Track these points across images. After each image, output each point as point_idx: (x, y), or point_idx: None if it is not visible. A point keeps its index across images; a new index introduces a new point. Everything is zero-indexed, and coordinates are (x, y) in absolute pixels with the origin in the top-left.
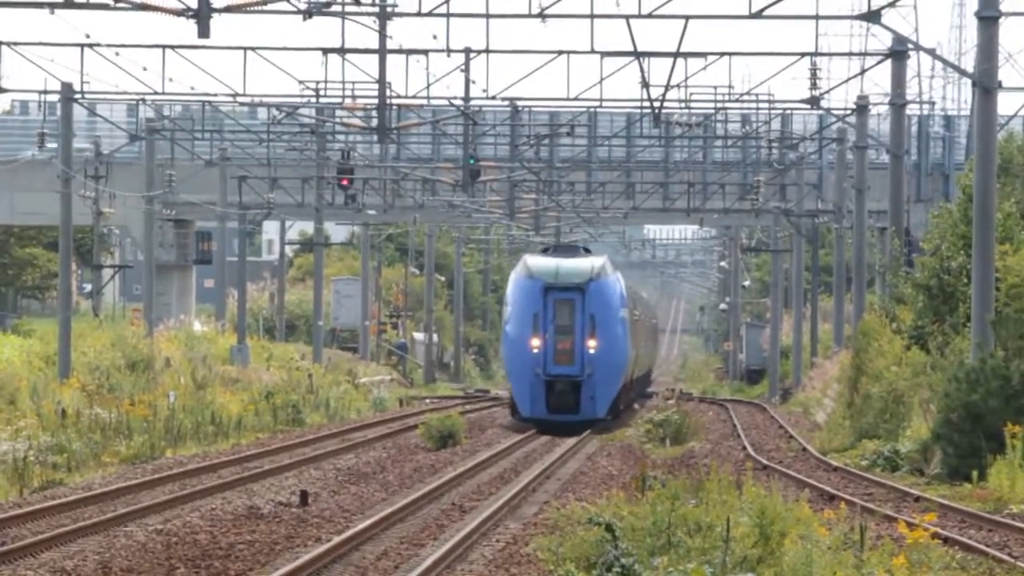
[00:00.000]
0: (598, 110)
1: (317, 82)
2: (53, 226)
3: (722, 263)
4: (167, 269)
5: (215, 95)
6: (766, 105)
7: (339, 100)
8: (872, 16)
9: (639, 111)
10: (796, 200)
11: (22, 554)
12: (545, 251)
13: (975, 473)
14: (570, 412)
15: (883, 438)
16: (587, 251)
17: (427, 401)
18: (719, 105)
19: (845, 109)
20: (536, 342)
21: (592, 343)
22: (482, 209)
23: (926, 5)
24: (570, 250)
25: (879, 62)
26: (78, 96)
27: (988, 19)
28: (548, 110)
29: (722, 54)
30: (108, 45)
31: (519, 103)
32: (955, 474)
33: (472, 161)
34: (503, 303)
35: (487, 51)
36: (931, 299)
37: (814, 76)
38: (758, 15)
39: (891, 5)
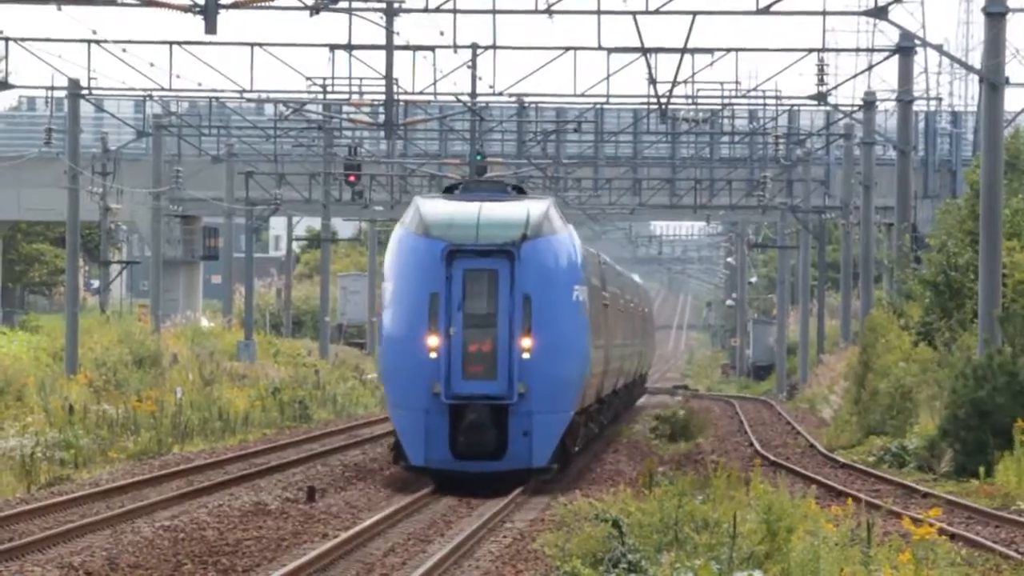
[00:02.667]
0: (605, 106)
1: (324, 78)
2: (60, 222)
3: (729, 259)
4: (174, 265)
5: (222, 91)
6: (773, 101)
7: (346, 96)
8: (879, 12)
9: (646, 107)
10: (803, 196)
11: (29, 550)
12: (451, 190)
13: (982, 469)
14: (489, 457)
15: (890, 434)
16: (519, 191)
17: None
18: (726, 101)
19: (852, 105)
20: (432, 342)
21: (527, 343)
22: None
23: (933, 1)
24: (491, 189)
25: (886, 58)
26: (85, 92)
27: (995, 15)
28: (555, 106)
29: (729, 50)
30: (115, 41)
31: (526, 99)
32: (962, 470)
33: (479, 157)
34: (381, 278)
35: (494, 47)
36: (938, 295)
37: (821, 72)
38: (765, 11)
39: (898, 1)
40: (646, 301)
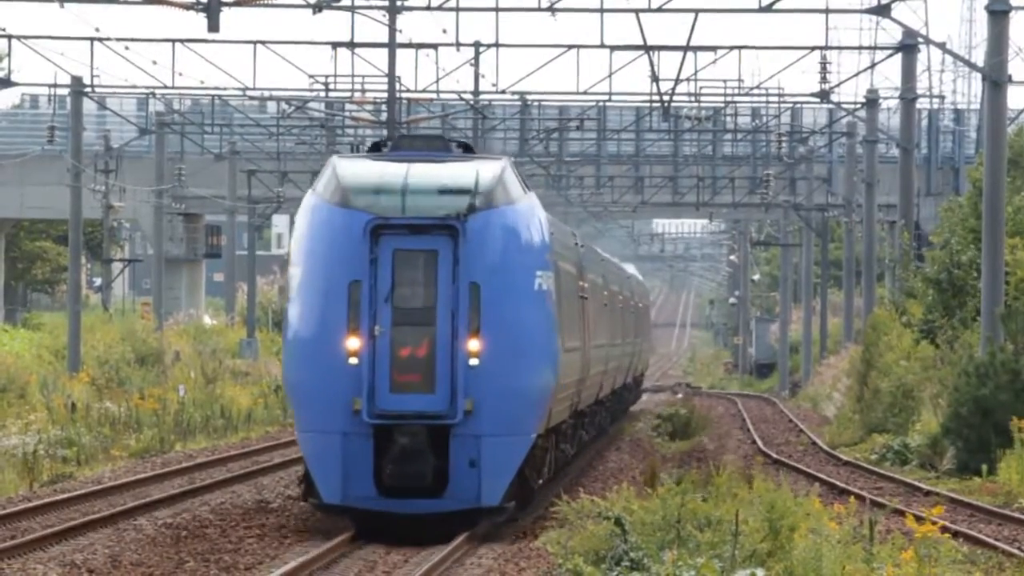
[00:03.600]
0: (607, 104)
1: (327, 76)
2: (63, 220)
3: (731, 257)
4: (177, 263)
5: (225, 89)
6: (776, 99)
7: (348, 94)
8: (882, 10)
9: (648, 105)
10: (806, 194)
11: (32, 547)
12: (379, 147)
13: (984, 467)
14: (426, 494)
15: (892, 432)
16: (466, 148)
17: None
18: (729, 99)
19: (855, 103)
20: (352, 345)
21: (475, 345)
22: None
23: None
24: (431, 147)
25: (889, 56)
26: (88, 90)
27: (998, 13)
28: (557, 104)
29: (732, 48)
30: (118, 39)
31: (528, 97)
32: (964, 468)
33: None
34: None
35: (496, 45)
36: (941, 293)
37: (824, 70)
38: (768, 9)
39: None
40: (641, 294)
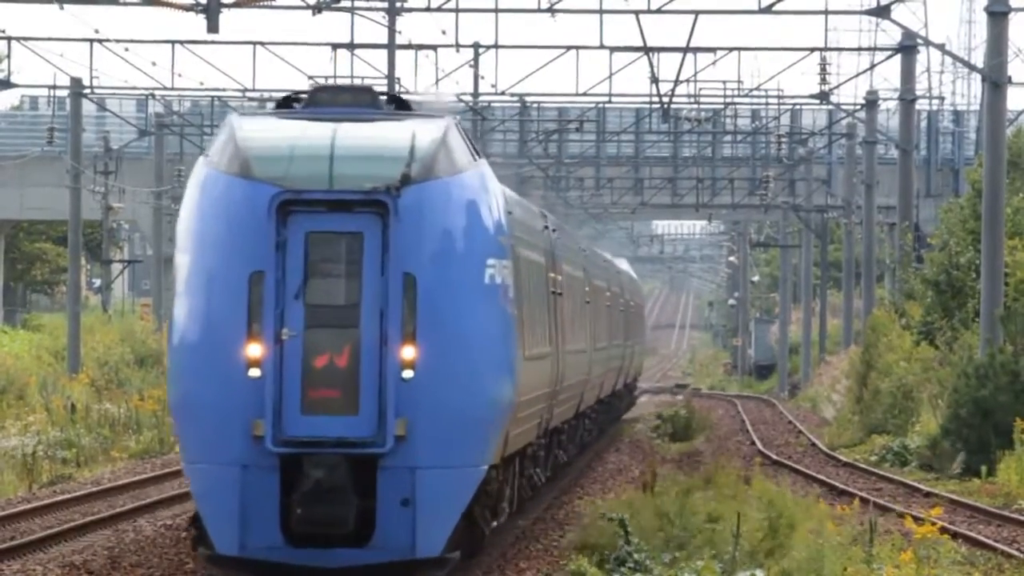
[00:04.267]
0: (607, 106)
1: (326, 77)
2: (63, 221)
3: (731, 258)
4: None
5: (224, 90)
6: (775, 100)
7: None
8: (882, 11)
9: (648, 106)
10: (805, 195)
11: (31, 548)
12: (291, 102)
13: (984, 468)
14: (347, 542)
15: (892, 433)
16: (401, 104)
17: None
18: (728, 100)
19: (854, 104)
20: (253, 352)
21: (410, 353)
22: None
23: (935, 0)
24: (354, 102)
25: (888, 57)
26: (87, 91)
27: (997, 14)
28: (557, 106)
29: (731, 49)
30: (117, 40)
31: (528, 99)
32: (964, 469)
33: None
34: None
35: (496, 46)
36: (940, 294)
37: (823, 71)
38: (767, 10)
39: (900, 0)
40: (633, 291)
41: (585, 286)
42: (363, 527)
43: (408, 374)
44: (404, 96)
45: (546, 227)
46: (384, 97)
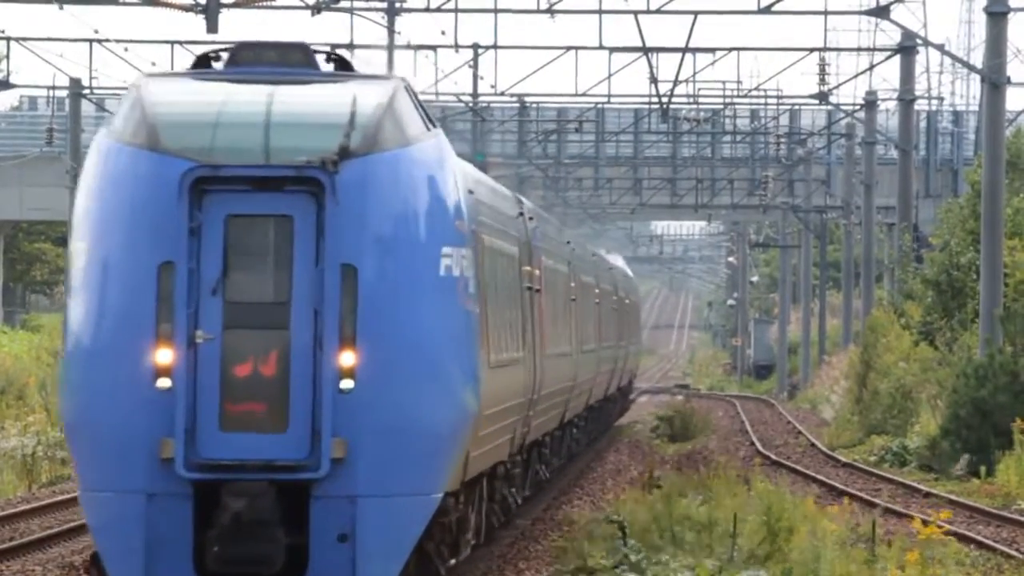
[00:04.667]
0: (606, 106)
1: None
2: (62, 221)
3: (730, 259)
4: None
5: None
6: (774, 101)
7: None
8: (881, 12)
9: (647, 107)
10: (804, 196)
11: (31, 549)
12: (209, 61)
13: (983, 469)
14: None
15: (891, 434)
16: (340, 63)
17: None
18: (727, 101)
19: (854, 105)
20: (163, 358)
21: (349, 359)
22: None
23: (935, 1)
24: (285, 61)
25: (888, 58)
26: (87, 91)
27: (997, 14)
28: (556, 106)
29: (730, 49)
30: (117, 40)
31: (527, 99)
32: (968, 471)
33: (480, 157)
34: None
35: (495, 47)
36: (940, 295)
37: (823, 71)
38: (767, 10)
39: (900, 1)
40: (628, 289)
41: (570, 282)
42: (293, 568)
43: (347, 384)
44: (344, 56)
45: (521, 214)
46: (322, 56)
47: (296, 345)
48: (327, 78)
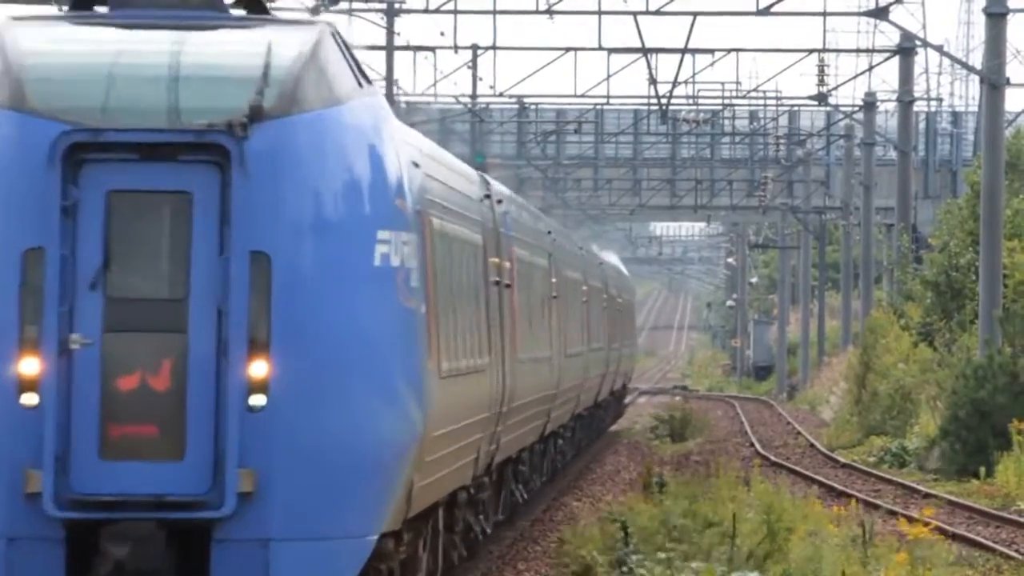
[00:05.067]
0: (605, 107)
1: None
2: None
3: (729, 260)
4: None
5: None
6: (773, 101)
7: None
8: (880, 12)
9: (646, 108)
10: (803, 197)
11: None
12: (90, 2)
13: (983, 469)
14: None
15: (890, 435)
16: (253, 5)
17: None
18: (726, 101)
19: (853, 105)
20: (28, 368)
21: (261, 369)
22: None
23: (934, 2)
24: (182, 3)
25: (887, 59)
26: None
27: (996, 15)
28: (555, 107)
29: (730, 50)
30: None
31: (526, 100)
32: (963, 470)
33: (479, 158)
34: None
35: (494, 48)
36: (939, 295)
37: (822, 72)
38: (766, 11)
39: (899, 2)
40: (622, 287)
41: (551, 277)
42: None
43: (258, 401)
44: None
45: (488, 196)
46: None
47: (195, 352)
48: (236, 23)
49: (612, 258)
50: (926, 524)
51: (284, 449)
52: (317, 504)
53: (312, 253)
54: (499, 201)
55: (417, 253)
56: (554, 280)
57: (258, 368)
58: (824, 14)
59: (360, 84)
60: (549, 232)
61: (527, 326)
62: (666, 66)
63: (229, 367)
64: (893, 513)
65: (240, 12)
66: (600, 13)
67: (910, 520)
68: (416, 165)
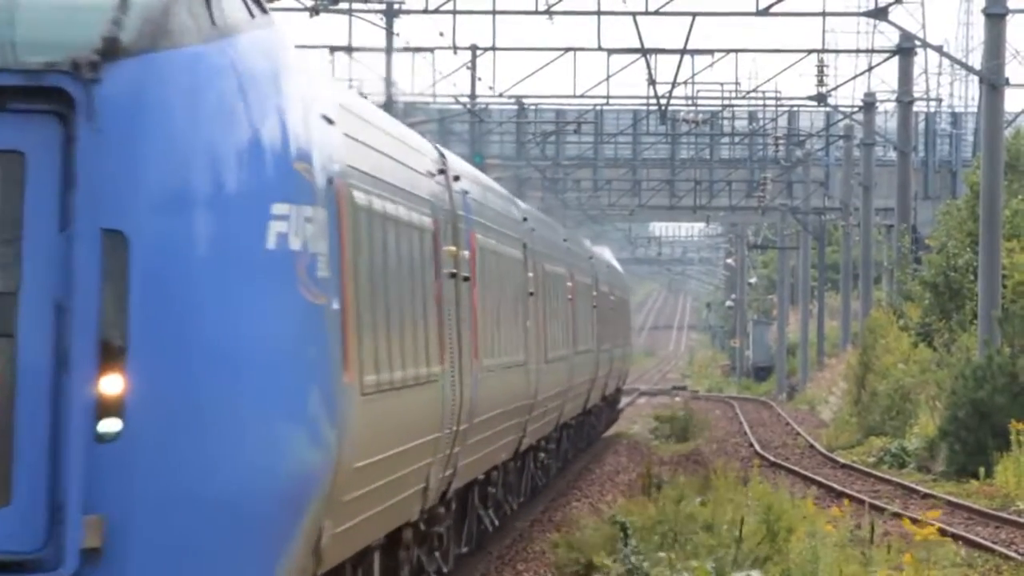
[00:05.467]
0: (604, 107)
1: None
2: None
3: (729, 260)
4: None
5: None
6: (773, 102)
7: None
8: (879, 13)
9: (646, 108)
10: (803, 197)
11: None
12: None
13: (982, 470)
14: None
15: (890, 435)
16: None
17: None
18: (726, 102)
19: (852, 106)
20: None
21: (115, 386)
22: None
23: (933, 2)
24: None
25: (886, 59)
26: None
27: (995, 16)
28: (554, 107)
29: (729, 51)
30: None
31: (525, 101)
32: (962, 471)
33: (478, 159)
34: None
35: (494, 48)
36: (938, 296)
37: (821, 73)
38: (765, 12)
39: (898, 2)
40: (615, 284)
41: (527, 271)
42: None
43: (111, 427)
44: None
45: (442, 171)
46: None
47: (25, 361)
48: None
49: (605, 253)
50: (931, 525)
51: (144, 491)
52: (186, 563)
53: (183, 232)
54: (456, 177)
55: (327, 234)
56: (531, 275)
57: (111, 384)
58: (823, 14)
59: (252, 14)
60: (525, 219)
61: (494, 327)
62: (665, 66)
63: (71, 382)
64: (896, 515)
65: None
66: (599, 13)
67: (915, 521)
68: (330, 121)
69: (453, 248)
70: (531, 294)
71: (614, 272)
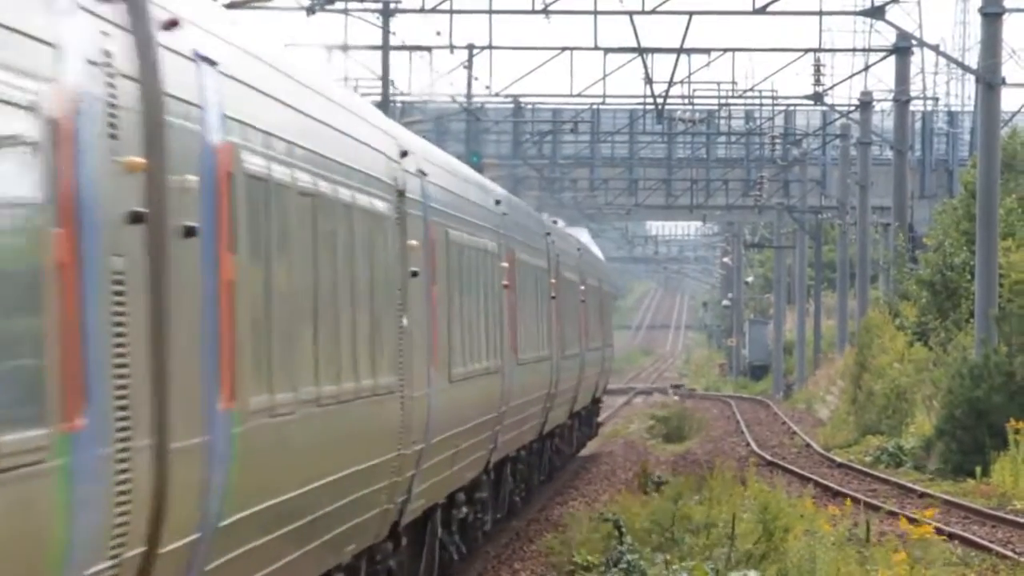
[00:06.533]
0: (601, 107)
1: None
2: None
3: (725, 259)
4: None
5: None
6: (769, 101)
7: None
8: (876, 12)
9: (642, 107)
10: (799, 196)
11: None
12: None
13: (978, 469)
14: None
15: (886, 434)
16: None
17: None
18: (722, 101)
19: (849, 105)
20: None
21: None
22: None
23: (930, 1)
24: None
25: (883, 58)
26: None
27: (992, 15)
28: (551, 107)
29: (725, 50)
30: None
31: (522, 100)
32: (959, 470)
33: (475, 158)
34: None
35: (490, 48)
36: (934, 295)
37: (818, 72)
38: (762, 11)
39: (895, 1)
40: (589, 270)
41: (490, 260)
42: None
43: None
44: None
45: (396, 144)
46: None
47: None
48: None
49: (583, 235)
50: (927, 524)
51: None
52: None
53: None
54: (404, 153)
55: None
56: (504, 265)
57: None
58: (820, 13)
59: None
60: (499, 204)
61: (444, 328)
62: (662, 66)
63: None
64: (892, 513)
65: None
66: (596, 13)
67: (911, 520)
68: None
69: (402, 236)
70: (506, 286)
71: (596, 261)
